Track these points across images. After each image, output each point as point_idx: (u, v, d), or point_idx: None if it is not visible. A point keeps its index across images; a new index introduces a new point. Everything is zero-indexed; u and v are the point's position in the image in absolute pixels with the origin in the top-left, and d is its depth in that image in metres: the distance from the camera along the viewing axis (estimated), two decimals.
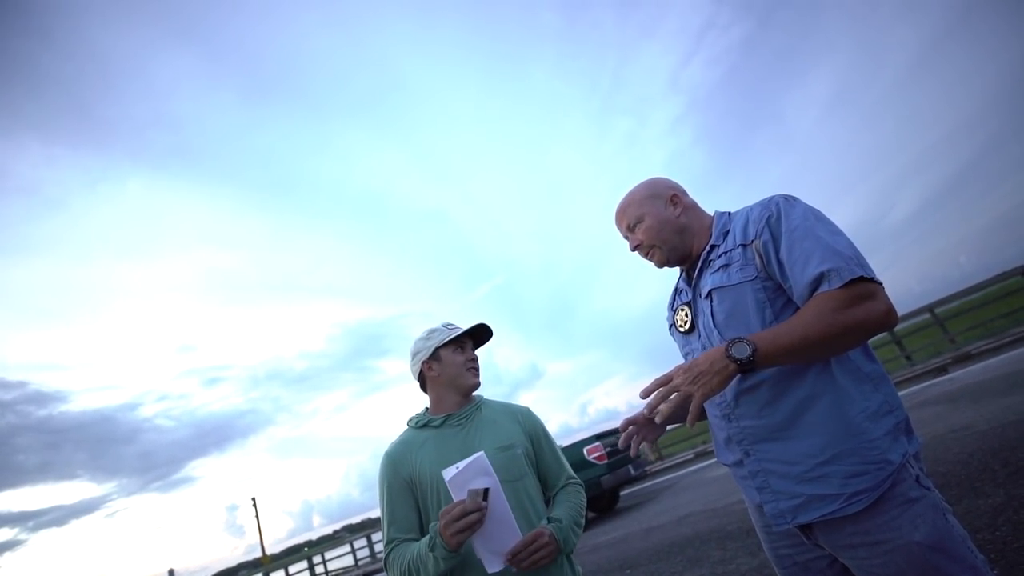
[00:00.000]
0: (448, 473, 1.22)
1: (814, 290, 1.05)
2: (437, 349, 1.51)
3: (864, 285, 1.01)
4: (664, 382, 1.06)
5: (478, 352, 1.60)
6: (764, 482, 1.13)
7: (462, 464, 1.23)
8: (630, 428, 1.24)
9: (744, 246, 1.17)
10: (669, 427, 1.38)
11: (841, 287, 1.01)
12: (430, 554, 1.22)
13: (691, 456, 12.73)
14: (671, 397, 1.05)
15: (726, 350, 1.02)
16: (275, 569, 20.85)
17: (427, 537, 1.26)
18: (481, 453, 1.25)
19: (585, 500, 1.50)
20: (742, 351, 1.01)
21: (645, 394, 1.08)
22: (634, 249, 1.37)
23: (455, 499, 1.21)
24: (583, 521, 1.43)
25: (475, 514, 1.18)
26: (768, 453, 1.12)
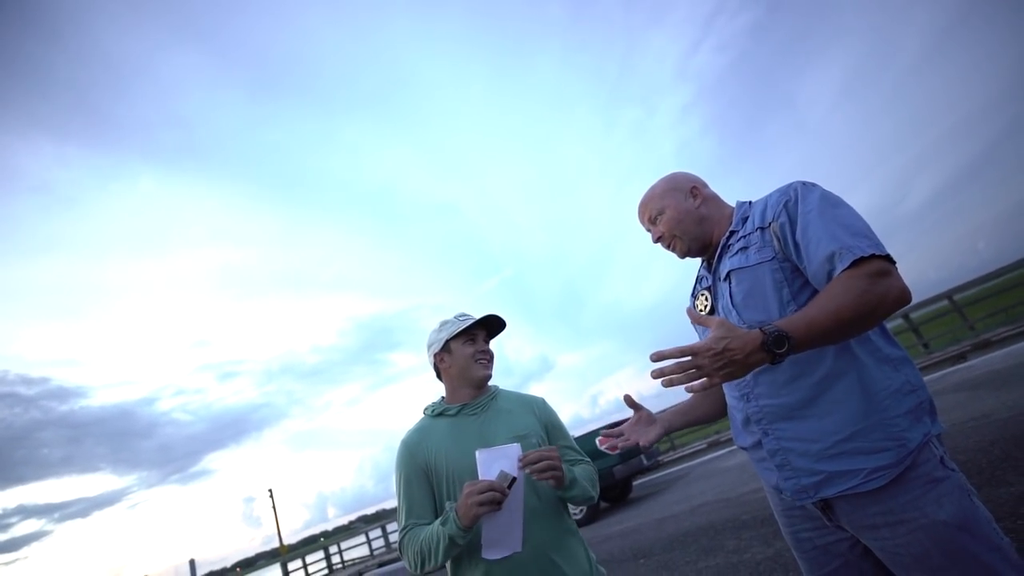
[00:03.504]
0: (482, 451, 1.28)
1: (828, 269, 1.04)
2: (448, 341, 1.52)
3: (880, 262, 1.00)
4: (687, 353, 0.95)
5: (494, 343, 1.60)
6: (784, 460, 1.13)
7: (499, 447, 1.29)
8: (620, 438, 1.36)
9: (762, 229, 1.18)
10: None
11: (857, 264, 1.00)
12: (442, 528, 1.25)
13: (704, 446, 12.69)
14: (689, 372, 0.95)
15: (763, 342, 0.94)
16: (292, 559, 21.22)
17: (442, 516, 1.29)
18: (518, 445, 1.31)
19: (597, 478, 1.51)
20: (780, 344, 0.94)
21: (659, 357, 0.96)
22: (656, 241, 1.40)
23: (480, 475, 1.26)
24: (592, 489, 1.44)
25: (498, 494, 1.21)
26: (787, 432, 1.12)
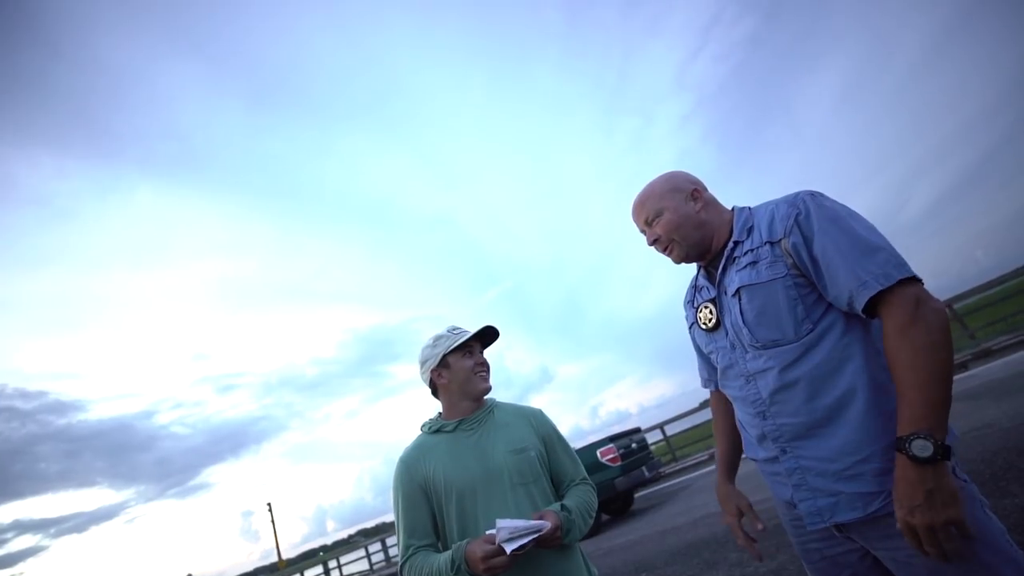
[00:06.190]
0: (505, 527, 1.20)
1: (850, 294, 1.03)
2: (445, 356, 1.50)
3: (912, 289, 0.99)
4: (914, 535, 0.92)
5: (489, 353, 1.59)
6: (801, 479, 1.11)
7: (523, 524, 1.22)
8: (743, 541, 1.31)
9: (772, 243, 1.14)
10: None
11: (891, 307, 0.99)
12: (451, 573, 1.23)
13: (706, 457, 12.59)
14: (928, 539, 0.91)
15: (910, 457, 0.91)
16: (291, 574, 20.98)
17: (449, 555, 1.26)
18: (547, 524, 1.25)
19: (596, 500, 1.48)
20: (925, 449, 0.91)
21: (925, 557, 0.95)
22: (652, 244, 1.34)
23: (497, 540, 1.20)
24: (590, 519, 1.41)
25: (506, 556, 1.19)
26: (805, 450, 1.10)
